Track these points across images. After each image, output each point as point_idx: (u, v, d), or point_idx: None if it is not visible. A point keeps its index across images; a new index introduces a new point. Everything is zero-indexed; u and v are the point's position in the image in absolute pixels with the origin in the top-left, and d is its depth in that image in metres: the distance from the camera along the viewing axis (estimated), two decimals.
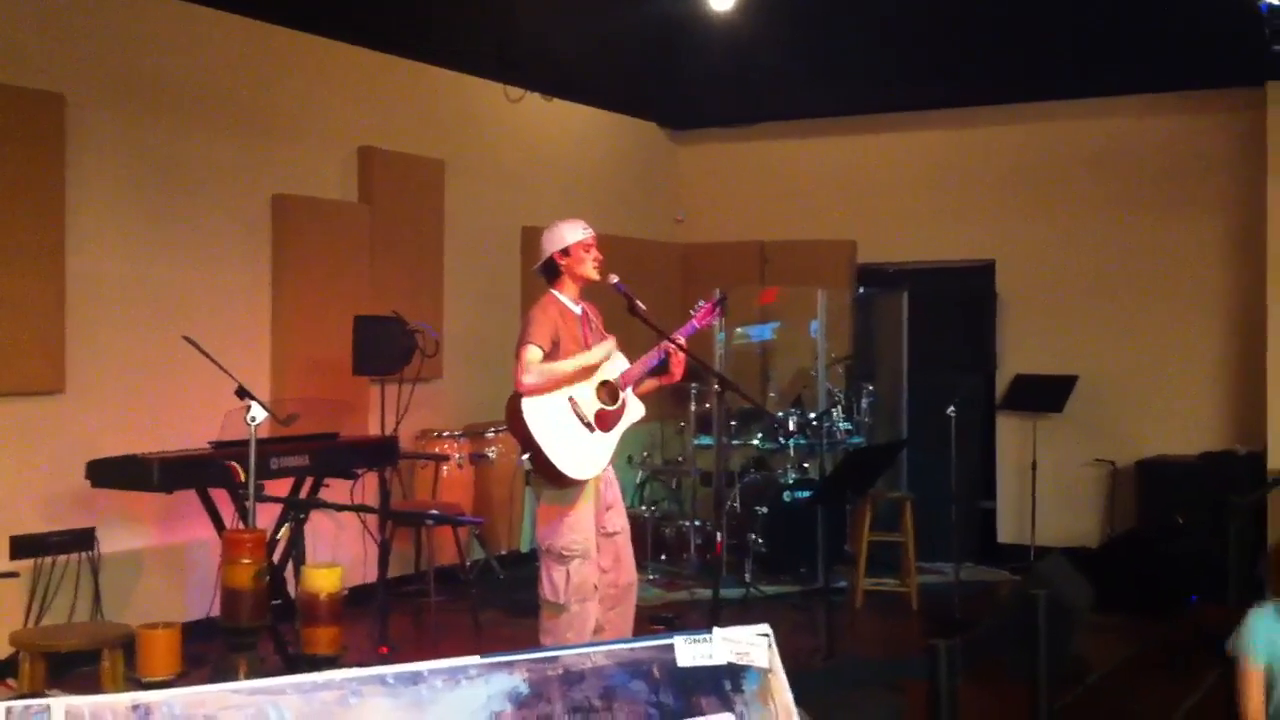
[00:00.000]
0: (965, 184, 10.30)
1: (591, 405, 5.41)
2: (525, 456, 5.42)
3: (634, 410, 5.57)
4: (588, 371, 5.42)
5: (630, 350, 5.67)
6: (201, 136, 7.30)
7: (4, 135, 6.23)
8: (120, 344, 6.82)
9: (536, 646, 1.86)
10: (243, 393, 5.42)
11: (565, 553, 5.39)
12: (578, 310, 5.57)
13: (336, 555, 7.46)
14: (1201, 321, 9.46)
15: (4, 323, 6.23)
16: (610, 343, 5.53)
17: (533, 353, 5.31)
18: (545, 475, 5.38)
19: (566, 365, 5.36)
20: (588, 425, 5.37)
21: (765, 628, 1.99)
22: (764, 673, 1.96)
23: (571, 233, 5.53)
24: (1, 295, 6.22)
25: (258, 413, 5.09)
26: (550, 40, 8.34)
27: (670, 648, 1.94)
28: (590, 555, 5.43)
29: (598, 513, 5.50)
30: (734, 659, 1.96)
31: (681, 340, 5.53)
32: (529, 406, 5.29)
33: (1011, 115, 10.07)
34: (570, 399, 5.37)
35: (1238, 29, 7.39)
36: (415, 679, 1.83)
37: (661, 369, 5.58)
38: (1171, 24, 7.78)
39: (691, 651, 1.95)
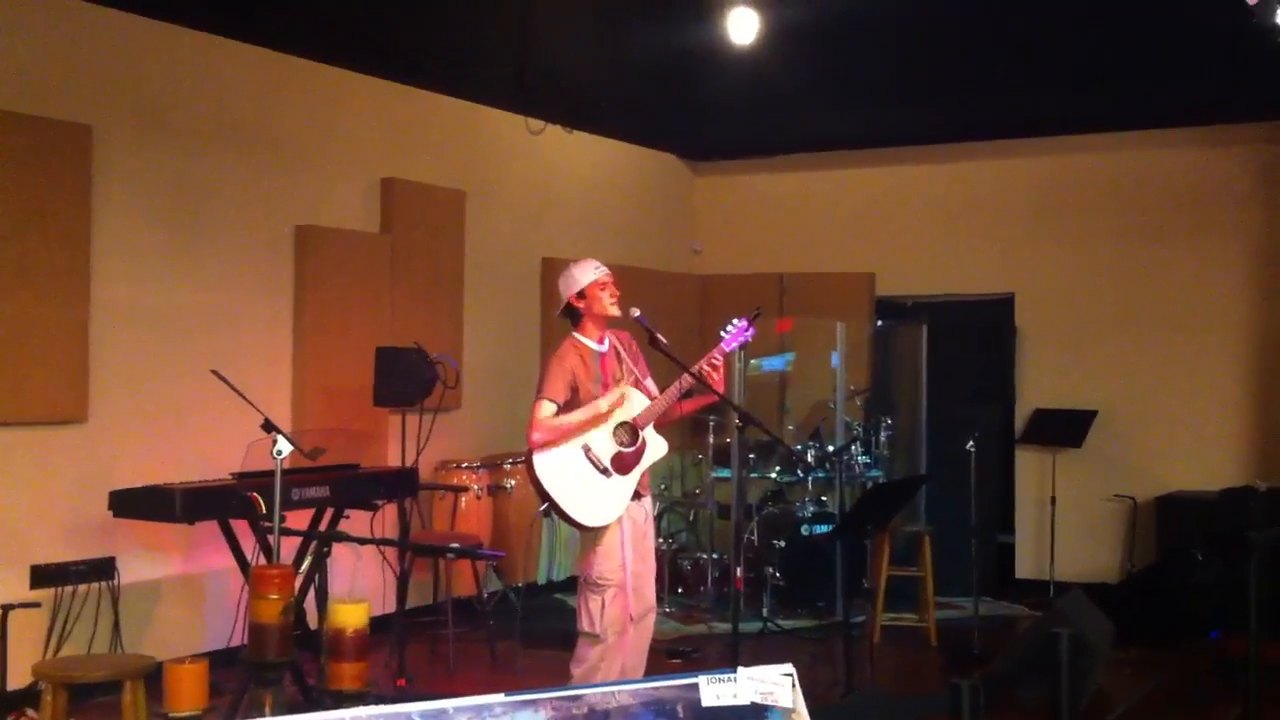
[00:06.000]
0: (985, 216, 10.30)
1: (608, 449, 5.40)
2: (543, 507, 5.44)
3: (655, 448, 5.53)
4: (601, 417, 5.40)
5: (658, 380, 5.66)
6: (225, 168, 7.35)
7: (32, 165, 6.29)
8: (143, 373, 6.85)
9: (561, 685, 1.85)
10: (269, 427, 5.43)
11: (600, 582, 5.40)
12: (602, 348, 5.56)
13: (355, 585, 7.48)
14: (1222, 357, 9.44)
15: (28, 351, 6.27)
16: (618, 392, 5.45)
17: (545, 409, 5.34)
18: (566, 523, 5.42)
19: (574, 417, 5.35)
20: (603, 470, 5.37)
21: (789, 667, 1.99)
22: (787, 713, 1.97)
23: (584, 274, 5.51)
24: (26, 324, 6.26)
25: (284, 446, 5.10)
26: (570, 72, 8.41)
27: (694, 687, 1.95)
28: (625, 586, 5.43)
29: (635, 541, 5.50)
30: (758, 699, 1.96)
31: (705, 367, 5.44)
32: (540, 461, 5.32)
33: (1032, 148, 10.08)
34: (585, 446, 5.37)
35: (1259, 63, 7.40)
36: (440, 716, 1.84)
37: (699, 389, 5.53)
38: (1192, 58, 7.80)
39: (715, 691, 1.95)
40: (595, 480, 5.36)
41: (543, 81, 8.38)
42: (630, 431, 5.45)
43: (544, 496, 5.37)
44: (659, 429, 5.57)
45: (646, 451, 5.49)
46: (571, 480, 5.33)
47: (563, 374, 5.40)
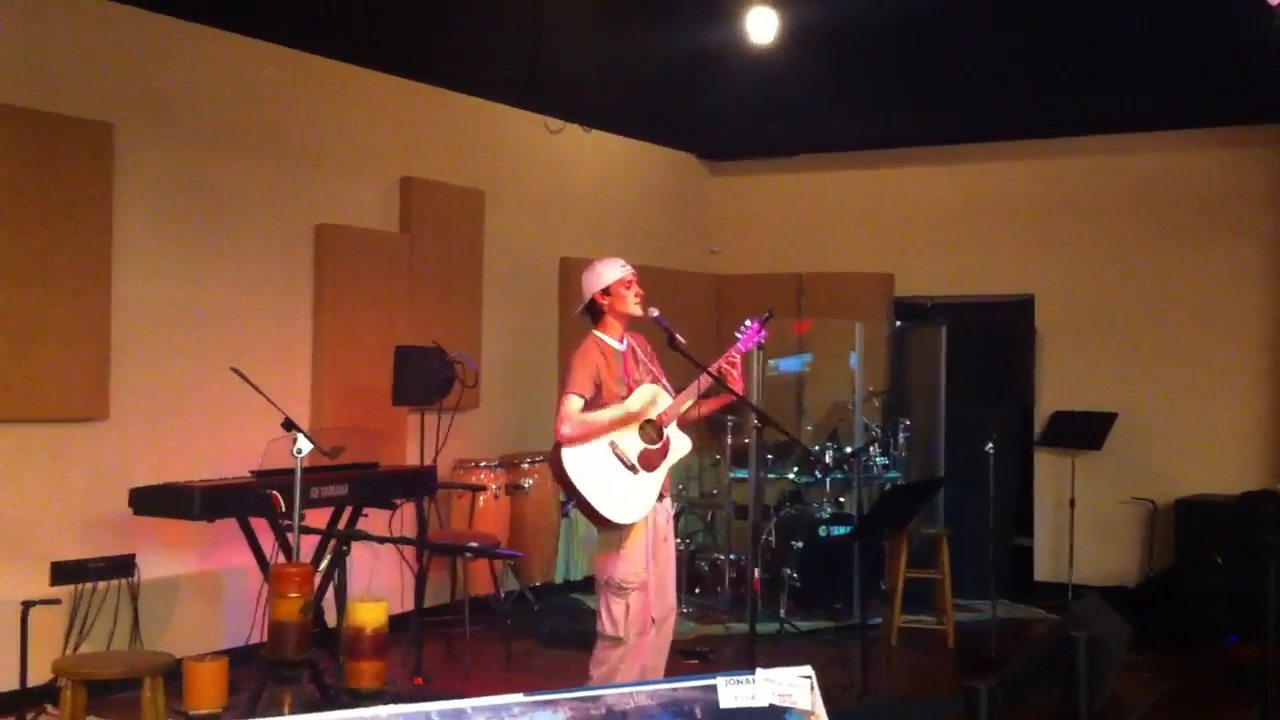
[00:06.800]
0: (1004, 218, 10.27)
1: (634, 446, 5.38)
2: (570, 504, 5.40)
3: (679, 446, 5.51)
4: (630, 416, 5.38)
5: (673, 382, 5.66)
6: (246, 166, 7.38)
7: (53, 163, 6.32)
8: (163, 371, 6.88)
9: (579, 685, 1.87)
10: (290, 425, 5.44)
11: (624, 584, 5.37)
12: (621, 347, 5.54)
13: (372, 584, 7.49)
14: (1242, 359, 9.40)
15: (49, 349, 6.30)
16: (647, 389, 5.45)
17: (573, 403, 5.30)
18: (592, 520, 5.38)
19: (604, 416, 5.32)
20: (630, 467, 5.34)
21: (808, 669, 1.99)
22: (806, 715, 1.96)
23: (610, 272, 5.51)
24: (47, 321, 6.30)
25: (304, 445, 5.10)
26: (589, 72, 8.41)
27: (713, 688, 1.94)
28: (647, 587, 5.42)
29: (656, 544, 5.50)
30: (776, 700, 1.96)
31: (724, 366, 5.44)
32: (569, 455, 5.28)
33: (1051, 149, 10.05)
34: (611, 442, 5.35)
35: (1277, 64, 7.37)
36: (459, 716, 1.85)
37: (717, 389, 5.52)
38: (1211, 59, 7.77)
39: (734, 692, 1.95)
40: (623, 477, 5.34)
41: (559, 81, 8.39)
42: (655, 429, 5.44)
43: (571, 493, 5.34)
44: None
45: (671, 449, 5.49)
46: (599, 476, 5.30)
47: (588, 369, 5.38)
